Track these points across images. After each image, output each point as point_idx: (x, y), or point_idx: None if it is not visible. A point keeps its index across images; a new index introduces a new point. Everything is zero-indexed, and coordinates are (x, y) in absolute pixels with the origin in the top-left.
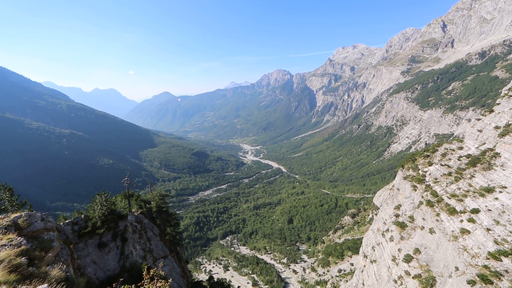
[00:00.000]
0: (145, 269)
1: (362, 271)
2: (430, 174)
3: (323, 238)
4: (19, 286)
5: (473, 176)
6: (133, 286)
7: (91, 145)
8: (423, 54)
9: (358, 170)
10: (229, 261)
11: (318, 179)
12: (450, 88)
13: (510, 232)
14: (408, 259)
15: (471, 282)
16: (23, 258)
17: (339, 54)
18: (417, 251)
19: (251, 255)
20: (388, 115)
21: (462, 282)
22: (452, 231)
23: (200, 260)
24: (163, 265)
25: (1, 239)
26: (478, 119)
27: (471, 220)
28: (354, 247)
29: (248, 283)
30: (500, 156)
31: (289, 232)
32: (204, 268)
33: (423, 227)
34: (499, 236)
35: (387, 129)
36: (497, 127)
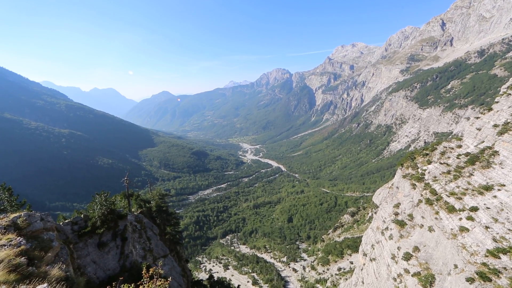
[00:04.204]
0: (145, 268)
1: (362, 269)
2: (429, 172)
3: (322, 237)
4: (19, 285)
5: (472, 174)
6: (132, 285)
7: (90, 145)
8: (422, 53)
9: (358, 168)
10: (229, 260)
11: (317, 177)
12: (449, 86)
13: (509, 229)
14: (407, 257)
15: (470, 280)
16: (23, 258)
17: (338, 52)
18: (416, 249)
19: (251, 254)
20: (387, 113)
21: (461, 279)
22: (451, 229)
23: (200, 259)
24: (163, 264)
25: (1, 239)
26: (477, 118)
27: (470, 218)
28: (354, 245)
29: (248, 282)
30: (498, 154)
31: (289, 231)
32: (204, 267)
33: (422, 225)
34: (498, 233)
35: (386, 127)
36: (495, 125)
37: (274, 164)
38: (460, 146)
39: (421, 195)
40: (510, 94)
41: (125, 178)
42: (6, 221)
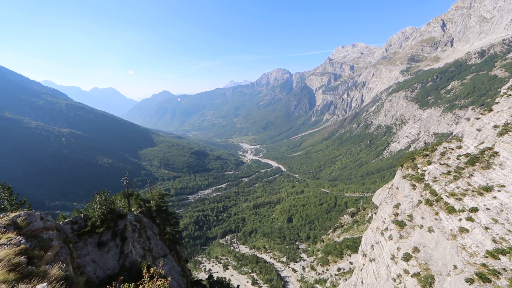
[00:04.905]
0: (145, 268)
1: (361, 269)
2: (429, 173)
3: (322, 237)
4: (19, 285)
5: (472, 175)
6: (132, 284)
7: (90, 144)
8: (423, 53)
9: (358, 169)
10: (229, 260)
11: (317, 178)
12: (449, 87)
13: (508, 230)
14: (407, 257)
15: (469, 281)
16: (22, 257)
17: (339, 53)
18: (416, 249)
19: (250, 254)
20: (387, 114)
21: (461, 280)
22: (451, 229)
23: (199, 259)
24: (162, 264)
25: (0, 238)
26: (477, 118)
27: (469, 219)
28: (353, 246)
29: (247, 282)
30: (498, 155)
31: (288, 231)
32: (204, 267)
33: (422, 226)
34: (497, 234)
35: (386, 128)
36: (496, 126)
37: (274, 164)
38: (460, 147)
39: (421, 196)
40: (510, 95)
41: (125, 178)
42: (6, 220)
